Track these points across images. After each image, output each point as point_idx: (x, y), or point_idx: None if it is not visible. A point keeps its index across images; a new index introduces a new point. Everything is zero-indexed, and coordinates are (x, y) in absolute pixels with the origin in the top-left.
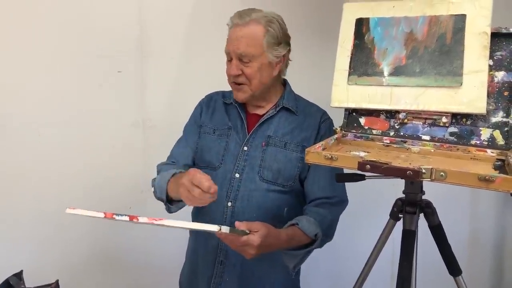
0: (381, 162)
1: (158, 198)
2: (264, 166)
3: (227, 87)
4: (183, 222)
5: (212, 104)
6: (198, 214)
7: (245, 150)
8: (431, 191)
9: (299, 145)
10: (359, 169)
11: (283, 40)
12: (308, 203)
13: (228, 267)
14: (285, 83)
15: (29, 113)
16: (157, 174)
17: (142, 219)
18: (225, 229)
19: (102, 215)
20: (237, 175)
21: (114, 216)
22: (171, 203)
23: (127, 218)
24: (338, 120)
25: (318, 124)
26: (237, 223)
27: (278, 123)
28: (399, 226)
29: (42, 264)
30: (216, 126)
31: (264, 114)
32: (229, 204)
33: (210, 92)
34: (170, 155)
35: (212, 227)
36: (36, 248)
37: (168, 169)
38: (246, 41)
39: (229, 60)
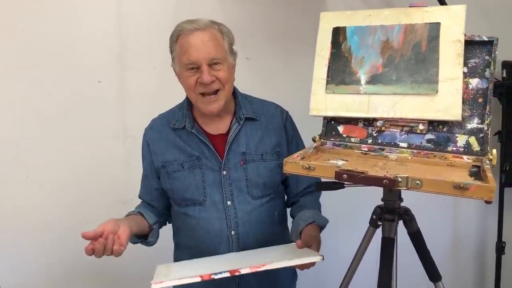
0: (358, 171)
1: (134, 243)
2: (251, 185)
3: None
4: (285, 261)
5: (158, 136)
6: (199, 250)
7: (225, 175)
8: (414, 196)
9: (274, 153)
10: (336, 178)
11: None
12: (296, 195)
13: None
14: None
15: (8, 125)
16: None
17: (244, 270)
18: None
19: (198, 279)
20: (229, 203)
21: (213, 276)
22: (146, 239)
23: (227, 274)
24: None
25: (282, 124)
26: (298, 243)
27: (246, 136)
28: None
29: (21, 279)
30: (182, 159)
31: (228, 131)
32: (233, 232)
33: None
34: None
35: (316, 258)
36: (15, 262)
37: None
38: (213, 44)
39: (193, 69)
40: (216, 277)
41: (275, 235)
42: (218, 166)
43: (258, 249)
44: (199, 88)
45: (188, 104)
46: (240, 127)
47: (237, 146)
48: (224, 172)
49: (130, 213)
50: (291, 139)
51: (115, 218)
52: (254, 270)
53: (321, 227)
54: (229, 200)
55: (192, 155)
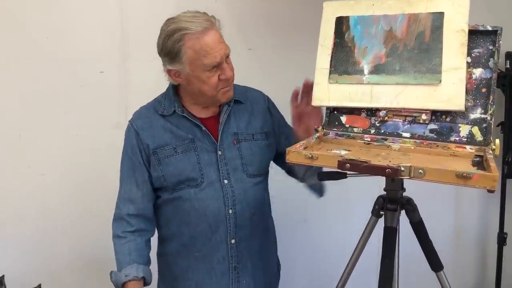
0: (361, 161)
1: None
2: (246, 163)
3: None
4: None
5: (147, 124)
6: (193, 235)
7: (220, 155)
8: (416, 186)
9: (263, 133)
10: (339, 168)
11: None
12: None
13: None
14: None
15: (10, 115)
16: (114, 246)
17: None
18: None
19: None
20: (225, 181)
21: None
22: None
23: None
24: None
25: (266, 108)
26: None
27: (235, 117)
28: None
29: (24, 268)
30: (174, 143)
31: (219, 113)
32: (230, 211)
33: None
34: (122, 207)
35: None
36: (18, 252)
37: (122, 248)
38: (222, 40)
39: (213, 67)
40: None
41: (266, 216)
42: (213, 147)
43: None
44: (220, 84)
45: (174, 92)
46: (230, 109)
47: (228, 127)
48: (219, 152)
49: (133, 278)
50: (276, 120)
51: None
52: None
53: None
54: (225, 179)
55: (185, 138)
